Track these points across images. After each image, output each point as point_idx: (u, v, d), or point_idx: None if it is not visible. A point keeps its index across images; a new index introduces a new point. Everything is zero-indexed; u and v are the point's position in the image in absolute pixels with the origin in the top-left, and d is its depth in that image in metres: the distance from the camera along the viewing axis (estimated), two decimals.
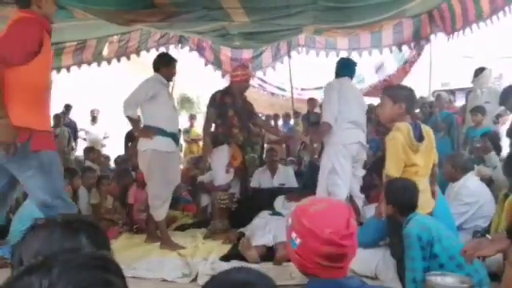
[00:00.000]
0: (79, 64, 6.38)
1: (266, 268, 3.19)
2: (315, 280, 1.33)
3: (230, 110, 4.27)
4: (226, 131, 4.28)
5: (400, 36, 6.59)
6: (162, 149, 3.76)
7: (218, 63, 7.43)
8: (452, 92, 9.73)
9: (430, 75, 6.97)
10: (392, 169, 2.67)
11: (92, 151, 6.90)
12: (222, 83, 7.04)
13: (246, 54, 7.39)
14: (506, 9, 4.44)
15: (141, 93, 3.77)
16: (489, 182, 4.02)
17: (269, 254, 3.54)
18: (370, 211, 3.76)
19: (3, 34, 2.41)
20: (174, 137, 3.93)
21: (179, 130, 4.59)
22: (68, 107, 8.77)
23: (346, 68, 4.14)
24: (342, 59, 4.50)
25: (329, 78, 4.18)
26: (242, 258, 3.44)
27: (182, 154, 8.29)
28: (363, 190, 4.12)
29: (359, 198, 4.03)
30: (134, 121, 3.91)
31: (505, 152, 4.72)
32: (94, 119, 8.76)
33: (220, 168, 4.27)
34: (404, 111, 2.77)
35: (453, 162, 3.65)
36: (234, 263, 3.34)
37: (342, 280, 1.31)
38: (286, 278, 3.06)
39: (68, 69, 6.38)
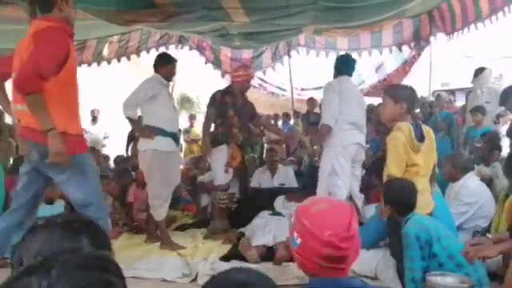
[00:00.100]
0: (79, 64, 6.36)
1: (266, 268, 3.19)
2: (316, 279, 1.33)
3: (230, 109, 4.27)
4: (226, 131, 4.27)
5: (400, 36, 6.60)
6: (163, 149, 3.76)
7: (217, 63, 7.44)
8: (452, 92, 9.74)
9: (430, 75, 6.97)
10: (393, 169, 2.67)
11: (92, 151, 6.88)
12: (222, 83, 7.05)
13: (246, 54, 7.39)
14: (506, 9, 4.44)
15: (140, 93, 3.77)
16: (489, 182, 4.02)
17: (269, 254, 3.53)
18: (369, 211, 3.77)
19: (34, 49, 2.42)
20: (174, 137, 3.93)
21: (179, 130, 4.58)
22: None
23: (345, 66, 4.08)
24: (341, 56, 4.42)
25: (329, 78, 4.14)
26: (242, 258, 3.44)
27: (181, 154, 8.29)
28: (363, 190, 4.12)
29: (359, 198, 4.02)
30: (134, 121, 3.91)
31: (505, 152, 4.73)
32: (94, 119, 8.75)
33: (219, 168, 4.27)
34: (405, 111, 2.77)
35: (453, 161, 3.65)
36: (234, 263, 3.34)
37: (343, 280, 1.30)
38: (286, 278, 3.06)
39: None
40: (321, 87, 7.23)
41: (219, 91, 4.41)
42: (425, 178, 2.80)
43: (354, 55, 6.66)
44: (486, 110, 5.29)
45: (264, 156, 7.13)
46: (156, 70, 3.92)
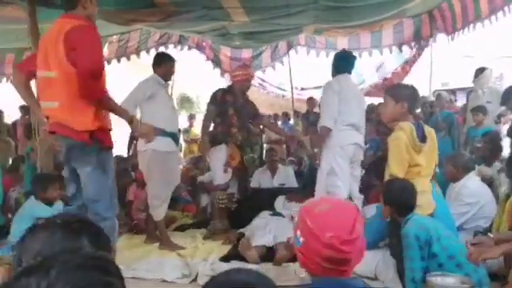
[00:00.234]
0: None
1: (266, 268, 3.19)
2: (318, 279, 1.31)
3: (231, 108, 4.26)
4: (225, 130, 4.27)
5: (400, 36, 6.59)
6: (162, 149, 3.75)
7: (217, 62, 7.44)
8: (453, 92, 9.72)
9: (430, 75, 6.96)
10: (395, 169, 2.66)
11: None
12: (222, 83, 7.04)
13: (246, 53, 7.38)
14: (506, 9, 4.43)
15: (138, 93, 3.76)
16: (489, 182, 4.01)
17: (269, 254, 3.53)
18: (369, 212, 3.75)
19: (80, 55, 2.50)
20: (174, 137, 3.92)
21: (179, 130, 4.57)
22: None
23: (344, 63, 3.97)
24: (340, 53, 4.24)
25: (329, 78, 4.08)
26: (242, 259, 3.44)
27: (181, 154, 8.28)
28: (362, 190, 4.10)
29: (358, 199, 4.00)
30: (132, 120, 3.89)
31: (505, 152, 4.72)
32: None
33: (218, 167, 4.27)
34: (406, 110, 2.76)
35: (454, 161, 3.64)
36: (234, 264, 3.33)
37: (346, 280, 1.29)
38: (287, 279, 3.06)
39: None
40: (321, 86, 7.22)
41: (220, 90, 4.41)
42: (426, 179, 2.80)
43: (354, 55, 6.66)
44: (487, 109, 5.28)
45: (264, 156, 7.13)
46: (154, 70, 3.91)
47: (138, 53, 6.69)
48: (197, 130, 9.47)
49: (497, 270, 2.76)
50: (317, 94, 8.18)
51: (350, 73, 4.00)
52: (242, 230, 4.08)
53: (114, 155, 3.05)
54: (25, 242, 0.98)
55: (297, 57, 7.63)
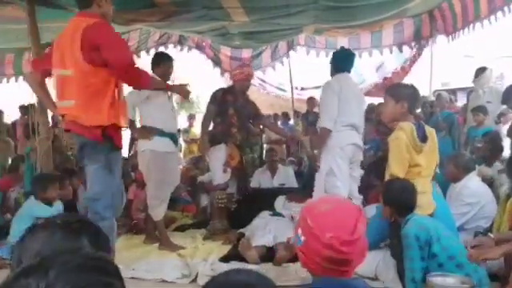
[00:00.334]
0: None
1: (266, 269, 3.19)
2: (319, 279, 1.31)
3: (231, 108, 4.26)
4: (225, 130, 4.26)
5: (401, 36, 6.59)
6: (160, 149, 3.75)
7: (217, 62, 7.44)
8: (453, 92, 9.72)
9: (430, 75, 6.96)
10: (396, 169, 2.65)
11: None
12: (222, 83, 7.04)
13: (246, 53, 7.39)
14: (505, 9, 4.42)
15: (136, 94, 3.75)
16: (490, 182, 4.00)
17: (269, 254, 3.52)
18: (369, 212, 3.74)
19: (109, 52, 2.57)
20: (173, 137, 3.91)
21: (178, 130, 4.57)
22: None
23: (343, 62, 3.88)
24: (339, 52, 4.13)
25: (328, 78, 4.04)
26: (242, 259, 3.43)
27: (181, 155, 8.28)
28: (362, 190, 4.09)
29: (357, 199, 3.98)
30: (130, 122, 3.89)
31: (506, 152, 4.72)
32: None
33: (218, 167, 4.26)
34: (406, 110, 2.75)
35: (455, 161, 3.63)
36: (234, 264, 3.33)
37: (347, 280, 1.28)
38: (287, 279, 3.05)
39: None
40: (321, 86, 7.21)
41: (221, 89, 4.41)
42: (426, 179, 2.79)
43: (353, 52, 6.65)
44: (487, 109, 5.28)
45: (264, 156, 7.12)
46: (153, 70, 3.90)
47: (137, 53, 6.68)
48: (197, 130, 9.47)
49: (497, 271, 2.76)
50: (317, 94, 8.17)
51: (349, 71, 3.92)
52: (241, 230, 4.08)
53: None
54: (24, 242, 0.98)
55: (297, 57, 7.63)
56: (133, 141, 7.20)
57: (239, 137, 4.33)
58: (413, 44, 6.78)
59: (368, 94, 8.07)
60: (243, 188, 4.66)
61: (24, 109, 6.82)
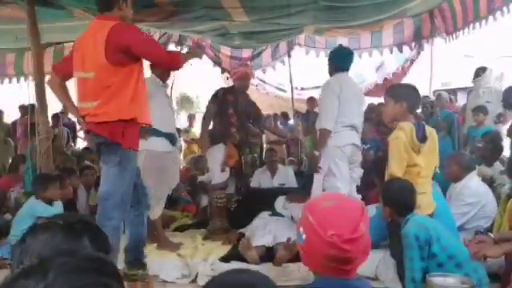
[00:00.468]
0: None
1: (266, 269, 3.18)
2: (321, 279, 1.28)
3: (230, 108, 4.26)
4: (224, 130, 4.27)
5: (401, 36, 6.59)
6: (157, 149, 3.74)
7: (217, 61, 7.44)
8: (453, 91, 9.72)
9: (430, 75, 6.96)
10: (395, 169, 2.66)
11: (92, 151, 6.87)
12: (222, 83, 7.04)
13: (246, 53, 7.39)
14: (504, 9, 4.42)
15: None
16: (490, 182, 4.00)
17: (269, 254, 3.52)
18: (369, 212, 3.72)
19: (138, 44, 2.66)
20: (171, 137, 3.90)
21: (178, 130, 4.57)
22: None
23: (342, 61, 3.80)
24: (337, 50, 4.02)
25: (328, 78, 4.02)
26: (242, 259, 3.43)
27: (181, 155, 8.27)
28: (361, 190, 4.08)
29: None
30: None
31: (505, 152, 4.72)
32: None
33: (216, 167, 4.26)
34: (405, 110, 2.75)
35: (457, 161, 3.63)
36: (234, 264, 3.33)
37: (350, 281, 1.25)
38: (287, 279, 3.06)
39: None
40: (320, 86, 7.20)
41: (222, 89, 4.43)
42: (426, 179, 2.79)
43: (355, 55, 6.64)
44: (487, 109, 5.27)
45: (264, 156, 7.12)
46: (152, 70, 3.90)
47: None
48: (197, 129, 9.48)
49: (497, 270, 2.76)
50: (317, 94, 8.17)
51: (348, 70, 3.85)
52: (241, 230, 4.07)
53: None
54: (25, 242, 0.98)
55: (297, 57, 7.63)
56: None
57: (238, 137, 4.33)
58: (413, 44, 6.78)
59: (368, 93, 8.07)
60: (242, 188, 4.66)
61: (24, 109, 6.82)
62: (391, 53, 7.04)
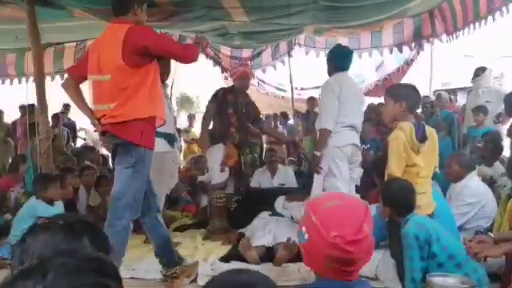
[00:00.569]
0: None
1: (266, 269, 3.18)
2: (322, 281, 1.26)
3: (230, 108, 4.27)
4: (223, 129, 4.27)
5: (400, 36, 6.58)
6: (155, 149, 3.73)
7: (217, 61, 7.45)
8: (453, 91, 9.72)
9: (430, 75, 6.96)
10: (394, 168, 2.66)
11: (92, 151, 6.88)
12: (222, 83, 7.04)
13: (246, 52, 7.39)
14: (504, 9, 4.42)
15: None
16: (490, 182, 4.00)
17: (269, 254, 3.52)
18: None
19: (157, 43, 2.72)
20: (169, 137, 3.90)
21: (178, 130, 4.57)
22: (67, 107, 8.75)
23: (341, 60, 3.78)
24: (336, 49, 3.99)
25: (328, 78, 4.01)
26: (242, 259, 3.43)
27: (181, 155, 8.27)
28: (361, 190, 4.08)
29: None
30: None
31: (505, 153, 4.71)
32: None
33: (216, 167, 4.27)
34: (405, 110, 2.75)
35: (458, 160, 3.63)
36: (234, 264, 3.33)
37: (351, 283, 1.23)
38: (287, 279, 3.05)
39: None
40: (320, 86, 7.20)
41: (222, 89, 4.44)
42: (425, 179, 2.79)
43: (354, 55, 6.64)
44: (488, 109, 5.27)
45: (263, 156, 7.12)
46: None
47: None
48: (197, 130, 9.48)
49: (497, 270, 2.76)
50: (317, 94, 8.18)
51: (347, 70, 3.82)
52: (241, 230, 4.07)
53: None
54: (26, 242, 0.98)
55: (297, 57, 7.63)
56: None
57: (238, 137, 4.33)
58: (413, 44, 6.77)
59: (368, 93, 8.08)
60: (241, 188, 4.66)
61: (24, 109, 6.82)
62: (391, 53, 7.03)
